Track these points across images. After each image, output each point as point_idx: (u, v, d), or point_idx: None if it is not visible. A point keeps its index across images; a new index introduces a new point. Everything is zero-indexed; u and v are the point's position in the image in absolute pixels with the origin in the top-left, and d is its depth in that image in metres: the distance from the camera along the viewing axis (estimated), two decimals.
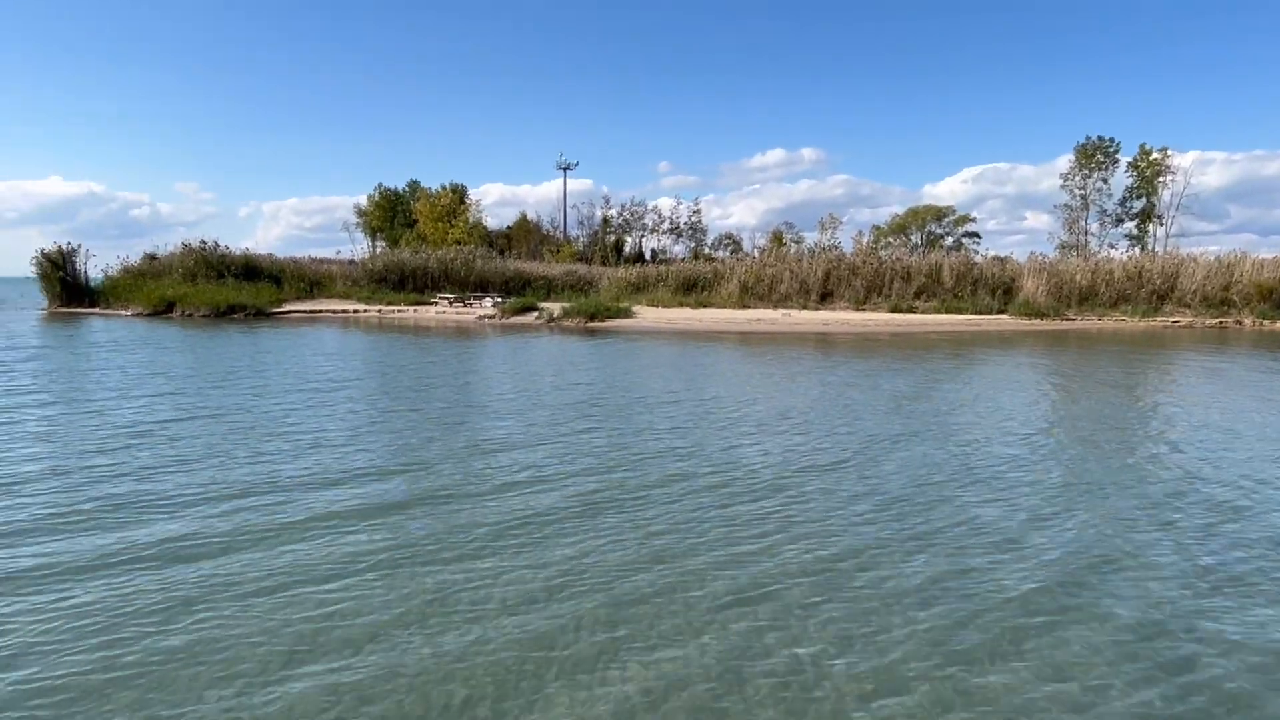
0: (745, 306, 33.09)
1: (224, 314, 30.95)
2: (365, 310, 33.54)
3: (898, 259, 35.89)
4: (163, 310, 31.43)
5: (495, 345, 20.85)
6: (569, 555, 5.18)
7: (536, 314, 30.49)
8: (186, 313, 30.97)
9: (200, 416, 9.82)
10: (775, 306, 32.90)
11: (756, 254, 43.53)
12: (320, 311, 33.01)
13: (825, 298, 33.70)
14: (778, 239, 58.60)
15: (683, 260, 48.47)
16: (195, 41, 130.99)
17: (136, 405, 10.59)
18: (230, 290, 33.06)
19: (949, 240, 61.34)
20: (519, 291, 37.68)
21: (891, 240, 60.60)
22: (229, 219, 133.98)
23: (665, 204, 66.74)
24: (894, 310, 31.58)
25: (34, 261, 34.41)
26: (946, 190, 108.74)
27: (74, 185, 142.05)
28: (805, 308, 32.49)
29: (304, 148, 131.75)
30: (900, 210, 66.43)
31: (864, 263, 34.55)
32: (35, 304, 35.91)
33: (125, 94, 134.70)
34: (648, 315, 30.02)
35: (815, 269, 34.29)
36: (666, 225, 65.34)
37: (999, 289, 33.27)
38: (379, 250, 53.43)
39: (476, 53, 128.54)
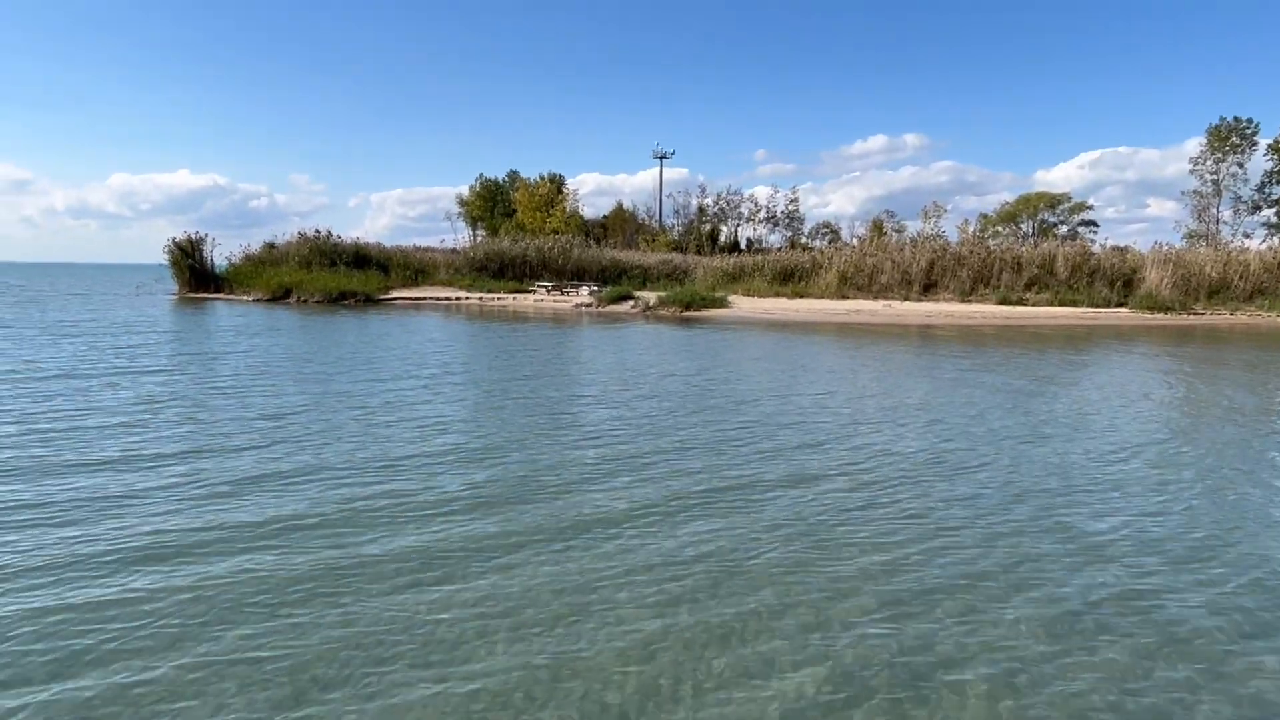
0: (844, 297, 32.39)
1: (336, 300, 32.49)
2: (467, 298, 34.56)
3: (1007, 248, 34.39)
4: (281, 296, 33.26)
5: (594, 334, 21.15)
6: (696, 555, 5.17)
7: (632, 303, 30.71)
8: (302, 298, 32.68)
9: (326, 403, 10.39)
10: (875, 297, 32.08)
11: (855, 243, 42.52)
12: (425, 298, 34.22)
13: (928, 289, 32.63)
14: (878, 228, 57.06)
15: (779, 250, 47.76)
16: (304, 40, 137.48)
17: (267, 390, 11.30)
18: (342, 277, 34.66)
19: (1063, 229, 58.27)
20: (615, 280, 38.01)
21: (1000, 229, 58.10)
22: (339, 209, 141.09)
23: (761, 192, 66.02)
24: (1002, 302, 30.29)
25: (166, 249, 36.89)
26: (1061, 176, 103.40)
27: (200, 178, 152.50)
28: (907, 299, 31.55)
29: (409, 140, 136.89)
30: (1010, 198, 63.59)
31: (971, 252, 33.26)
32: (166, 289, 38.51)
33: (244, 91, 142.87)
34: (743, 305, 29.80)
35: (918, 258, 33.23)
36: (763, 214, 64.55)
37: (1118, 281, 31.42)
38: (480, 239, 54.86)
39: (574, 44, 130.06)
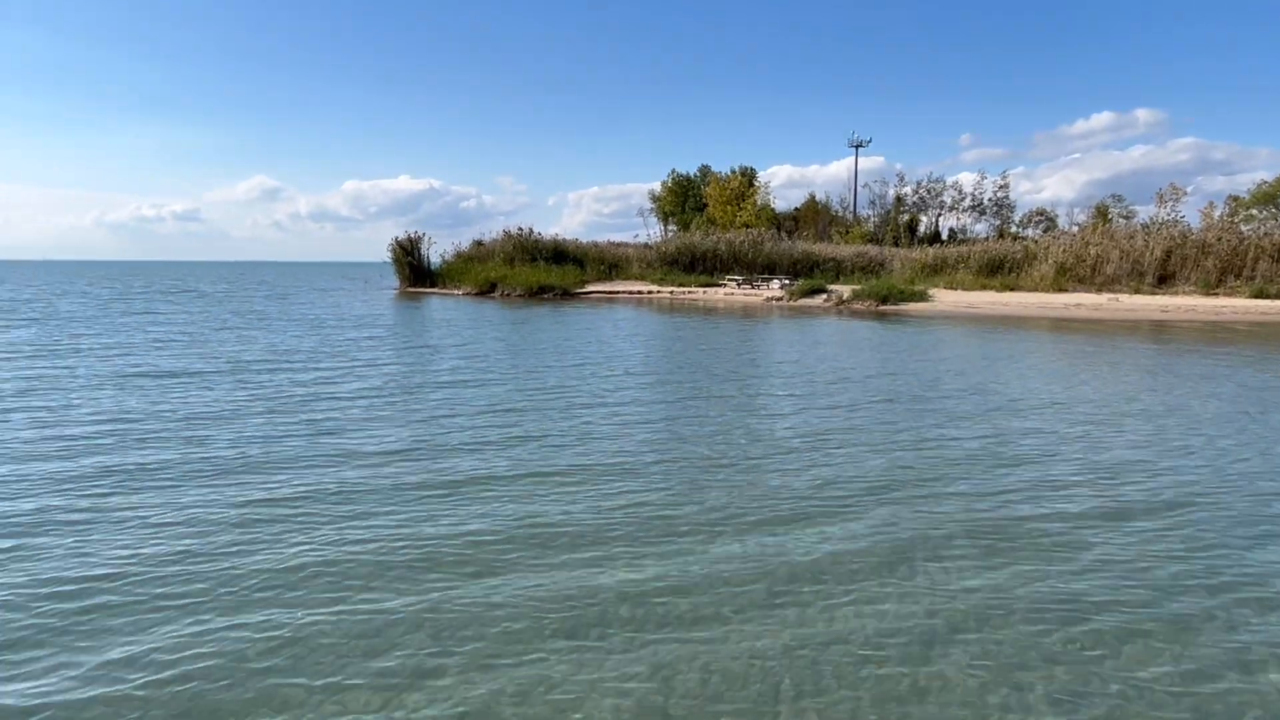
0: (1061, 290, 29.71)
1: (536, 293, 34.30)
2: (658, 291, 35.24)
3: (1266, 234, 29.98)
4: (487, 290, 35.63)
5: (787, 328, 20.85)
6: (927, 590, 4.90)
7: (825, 296, 29.96)
8: (506, 292, 34.83)
9: (536, 402, 11.04)
10: (1099, 290, 29.15)
11: (1075, 231, 38.86)
12: (618, 292, 35.29)
13: (1163, 281, 29.17)
14: (1102, 214, 51.83)
15: (986, 239, 44.68)
16: (509, 50, 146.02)
17: (487, 381, 12.18)
18: (542, 272, 36.49)
19: None
20: (806, 273, 37.25)
21: (1255, 212, 50.70)
22: (539, 208, 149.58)
23: (966, 179, 61.95)
24: (1258, 295, 26.45)
25: (389, 248, 40.56)
26: None
27: (418, 182, 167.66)
28: (1138, 291, 28.40)
29: (604, 140, 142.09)
30: (1269, 176, 55.33)
31: (1219, 239, 29.30)
32: (390, 285, 42.40)
33: (456, 100, 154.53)
34: (945, 299, 28.17)
35: (1152, 247, 29.77)
36: (967, 202, 60.54)
37: None
38: (671, 234, 55.67)
39: (767, 35, 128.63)
